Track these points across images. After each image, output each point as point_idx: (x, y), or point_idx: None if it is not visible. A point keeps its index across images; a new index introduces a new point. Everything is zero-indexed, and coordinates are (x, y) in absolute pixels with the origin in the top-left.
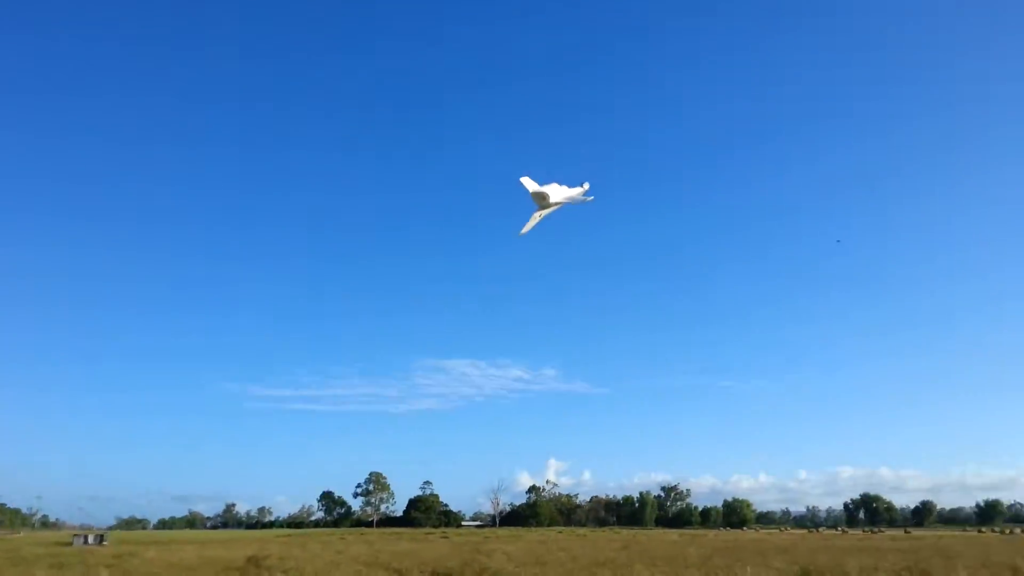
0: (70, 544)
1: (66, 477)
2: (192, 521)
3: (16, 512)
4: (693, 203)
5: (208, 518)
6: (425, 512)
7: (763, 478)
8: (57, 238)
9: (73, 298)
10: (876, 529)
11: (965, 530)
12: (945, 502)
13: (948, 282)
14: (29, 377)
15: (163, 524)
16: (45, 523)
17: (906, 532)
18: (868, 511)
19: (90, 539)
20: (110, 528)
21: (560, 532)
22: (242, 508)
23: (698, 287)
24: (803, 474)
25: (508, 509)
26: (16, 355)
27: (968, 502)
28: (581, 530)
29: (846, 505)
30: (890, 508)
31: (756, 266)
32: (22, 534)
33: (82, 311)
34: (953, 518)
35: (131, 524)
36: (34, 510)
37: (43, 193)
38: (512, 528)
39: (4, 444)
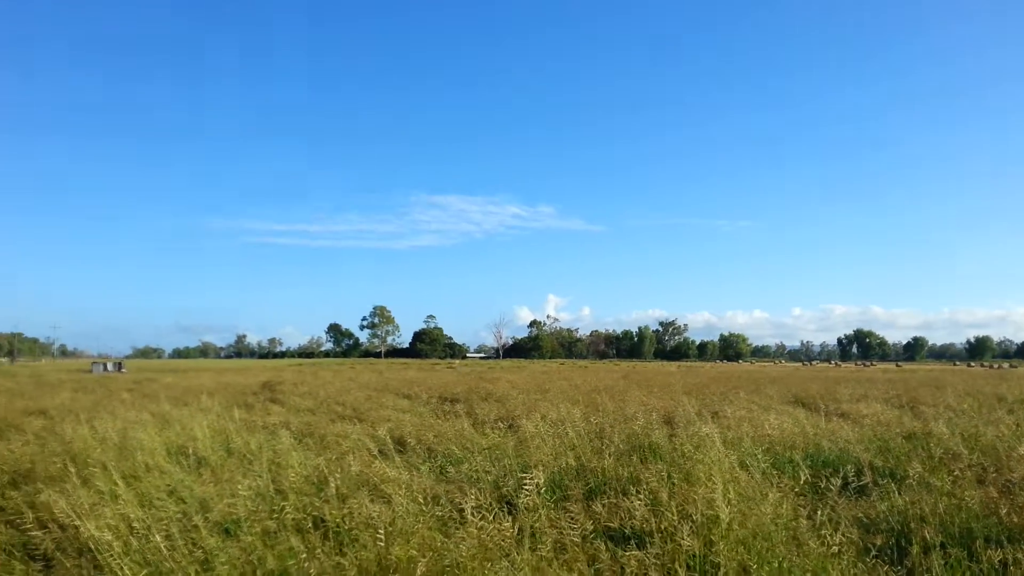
0: (89, 371)
1: (81, 308)
2: (205, 351)
3: (35, 341)
4: (693, 47)
5: (221, 348)
6: (431, 344)
7: (758, 314)
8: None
9: (88, 133)
10: (868, 363)
11: (955, 364)
12: (936, 339)
13: (940, 127)
14: (44, 216)
15: (177, 354)
16: (64, 352)
17: (897, 366)
18: (861, 346)
19: (109, 366)
20: (127, 357)
21: (562, 364)
22: (253, 339)
23: (698, 126)
24: (797, 311)
25: (511, 342)
26: (32, 194)
27: (959, 339)
28: (582, 362)
29: (839, 340)
30: (883, 343)
31: (753, 109)
32: (43, 362)
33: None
34: (943, 353)
35: (147, 353)
36: (52, 340)
37: None
38: (515, 360)
39: (21, 276)
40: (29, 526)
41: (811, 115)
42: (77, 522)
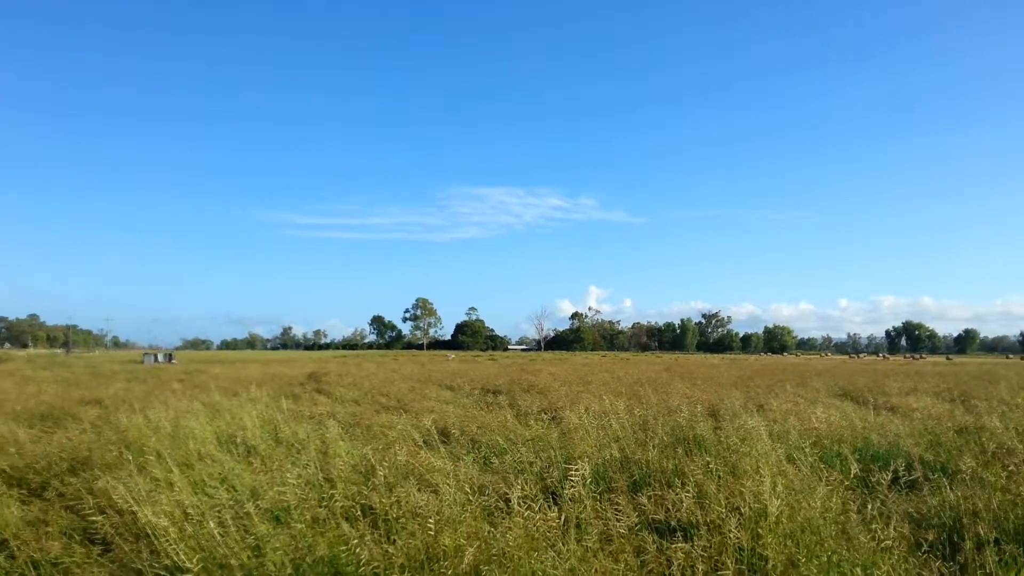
0: (141, 362)
1: (133, 301)
2: (252, 342)
3: (89, 333)
4: (735, 36)
5: (267, 340)
6: (472, 336)
7: (803, 306)
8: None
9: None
10: (918, 356)
11: (1008, 357)
12: (988, 331)
13: (990, 117)
14: (96, 211)
15: (226, 345)
16: (116, 343)
17: (947, 359)
18: (910, 338)
19: (159, 357)
20: (177, 348)
21: (603, 356)
22: (298, 331)
23: (742, 116)
24: (844, 302)
25: (552, 334)
26: (84, 189)
27: (1012, 331)
28: (624, 354)
29: (888, 332)
30: (932, 336)
31: (799, 99)
32: (97, 353)
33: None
34: (995, 346)
35: (196, 345)
36: (105, 331)
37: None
38: (557, 352)
39: (75, 271)
40: (88, 511)
41: (860, 103)
42: (135, 508)
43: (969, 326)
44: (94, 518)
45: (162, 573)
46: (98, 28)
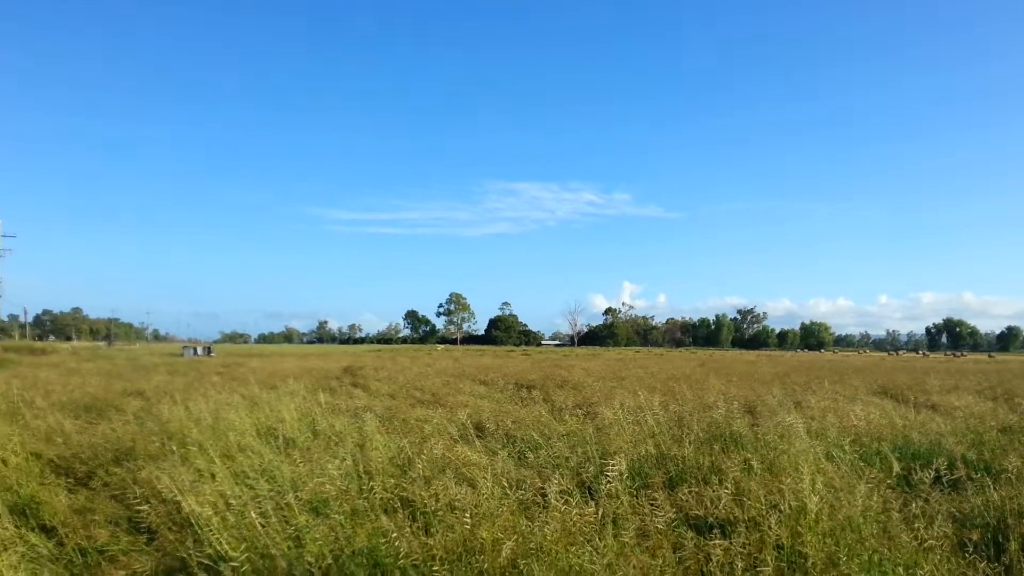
0: (180, 355)
1: (173, 295)
2: (289, 336)
3: (130, 326)
4: (762, 29)
5: (304, 334)
6: (506, 331)
7: (842, 302)
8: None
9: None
10: (958, 353)
11: None
12: None
13: None
14: (136, 209)
15: (263, 339)
16: (156, 336)
17: (989, 356)
18: (951, 335)
19: (199, 350)
20: (215, 341)
21: (637, 351)
22: (334, 325)
23: (771, 109)
24: (883, 299)
25: (585, 330)
26: (125, 188)
27: None
28: (657, 350)
29: (928, 329)
30: (974, 333)
31: (837, 88)
32: (137, 346)
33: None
34: None
35: (234, 338)
36: (145, 325)
37: None
38: (590, 347)
39: (118, 266)
40: (134, 501)
41: (904, 97)
42: (179, 498)
43: (1012, 323)
44: (139, 507)
45: (206, 562)
46: (100, 22)
